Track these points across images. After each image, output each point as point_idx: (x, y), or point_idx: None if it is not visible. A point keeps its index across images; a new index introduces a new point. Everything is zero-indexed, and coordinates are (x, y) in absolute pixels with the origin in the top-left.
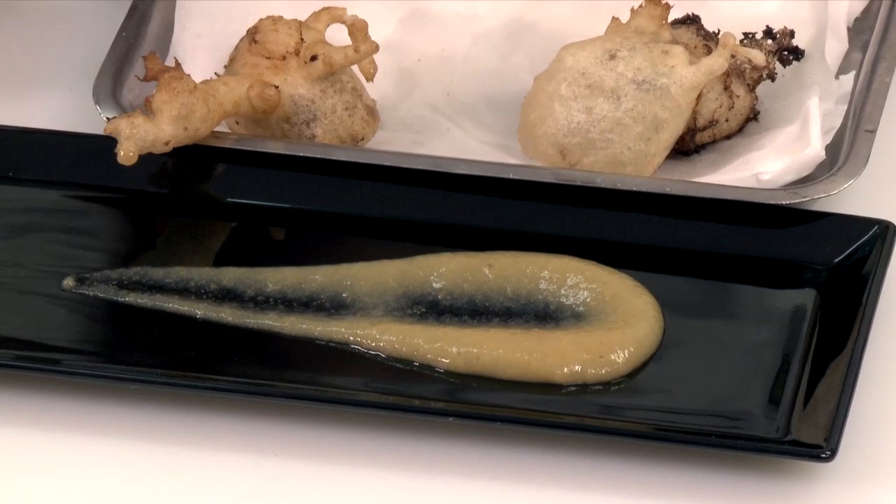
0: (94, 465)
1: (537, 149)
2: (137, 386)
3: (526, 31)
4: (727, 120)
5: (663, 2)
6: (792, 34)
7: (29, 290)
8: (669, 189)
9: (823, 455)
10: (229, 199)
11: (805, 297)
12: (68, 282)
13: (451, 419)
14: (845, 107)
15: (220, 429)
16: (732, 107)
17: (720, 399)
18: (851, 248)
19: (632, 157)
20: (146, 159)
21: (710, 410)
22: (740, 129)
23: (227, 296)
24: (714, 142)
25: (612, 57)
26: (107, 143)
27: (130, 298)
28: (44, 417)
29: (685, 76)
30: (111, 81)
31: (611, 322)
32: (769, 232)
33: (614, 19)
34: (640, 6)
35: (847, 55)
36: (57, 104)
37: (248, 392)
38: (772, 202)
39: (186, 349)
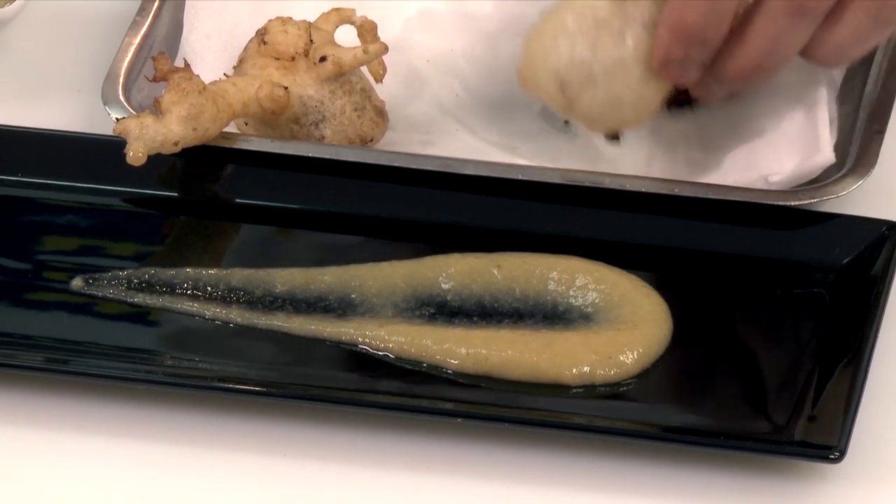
0: (102, 466)
1: (537, 82)
2: (146, 386)
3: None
4: None
5: None
6: None
7: (38, 290)
8: (678, 190)
9: (832, 456)
10: (238, 200)
11: (814, 298)
12: (77, 282)
13: (459, 420)
14: (854, 107)
15: (229, 429)
16: None
17: (728, 400)
18: (860, 250)
19: (632, 99)
20: (156, 160)
21: (719, 411)
22: None
23: (236, 296)
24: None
25: None
26: (116, 144)
27: (139, 299)
28: (52, 418)
29: None
30: (120, 82)
31: (619, 323)
32: (778, 233)
33: None
34: None
35: None
36: (66, 105)
37: (257, 393)
38: (780, 203)
39: (195, 350)
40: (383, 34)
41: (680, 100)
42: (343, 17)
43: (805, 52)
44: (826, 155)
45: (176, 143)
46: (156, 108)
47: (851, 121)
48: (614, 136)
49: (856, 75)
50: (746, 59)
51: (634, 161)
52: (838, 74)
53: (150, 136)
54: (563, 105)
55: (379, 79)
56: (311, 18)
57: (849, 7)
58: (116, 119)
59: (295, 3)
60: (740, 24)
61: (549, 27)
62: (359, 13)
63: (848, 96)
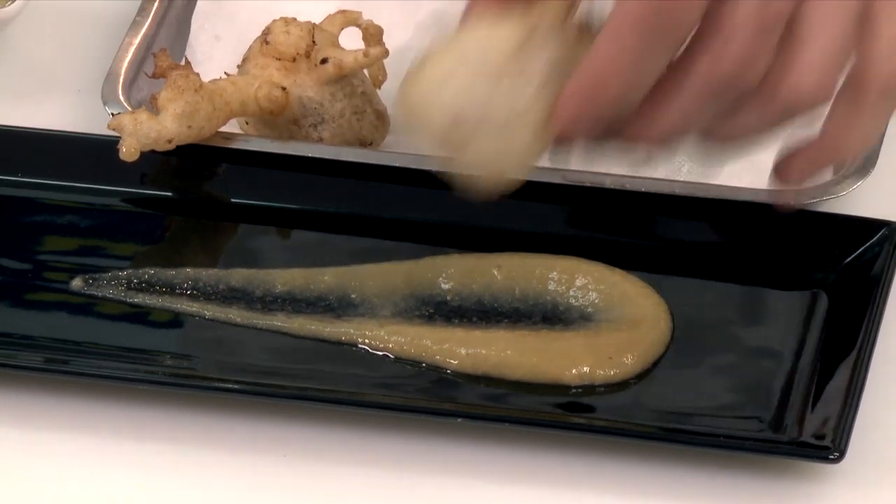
0: (102, 466)
1: (429, 113)
2: (146, 387)
3: None
4: None
5: None
6: None
7: (38, 290)
8: (678, 190)
9: (831, 457)
10: (238, 200)
11: (813, 299)
12: (77, 282)
13: (459, 420)
14: None
15: (229, 429)
16: None
17: (728, 400)
18: (860, 250)
19: (520, 148)
20: (155, 160)
21: (718, 411)
22: None
23: (236, 296)
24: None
25: (520, 39)
26: (116, 144)
27: (139, 299)
28: (52, 418)
29: None
30: (120, 82)
31: (619, 323)
32: (777, 233)
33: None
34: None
35: None
36: (66, 105)
37: (257, 393)
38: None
39: (195, 350)
40: (394, 39)
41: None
42: (348, 19)
43: (704, 133)
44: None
45: (170, 141)
46: (152, 105)
47: None
48: (492, 189)
49: None
50: (650, 131)
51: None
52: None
53: (143, 133)
54: (453, 142)
55: (378, 84)
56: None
57: (757, 100)
58: (113, 115)
59: (306, 5)
60: (652, 94)
61: (448, 58)
62: (366, 17)
63: None
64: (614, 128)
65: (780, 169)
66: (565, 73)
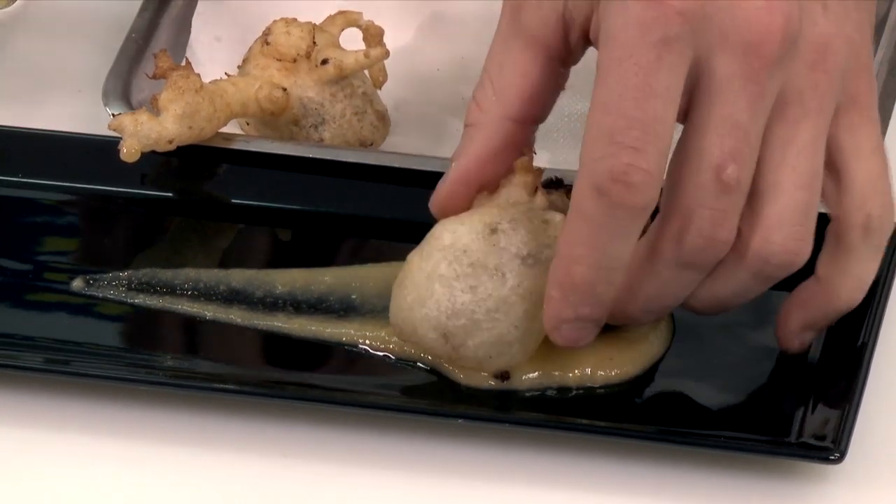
0: (102, 467)
1: (415, 332)
2: (146, 387)
3: None
4: None
5: (535, 168)
6: None
7: (39, 291)
8: None
9: (832, 457)
10: (239, 201)
11: None
12: (78, 283)
13: (460, 421)
14: None
15: (229, 430)
16: None
17: (729, 400)
18: None
19: (518, 336)
20: (156, 160)
21: (719, 412)
22: None
23: (236, 297)
24: None
25: (493, 231)
26: (117, 145)
27: (140, 300)
28: (53, 419)
29: None
30: (121, 82)
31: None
32: None
33: (482, 193)
34: (510, 175)
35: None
36: (66, 106)
37: (258, 394)
38: None
39: (195, 350)
40: (395, 40)
41: None
42: (349, 20)
43: (685, 302)
44: None
45: (170, 141)
46: (153, 106)
47: None
48: (503, 376)
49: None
50: (634, 308)
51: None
52: None
53: (144, 133)
54: (448, 354)
55: (379, 85)
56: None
57: (732, 264)
58: (113, 115)
59: (306, 5)
60: (630, 271)
61: (422, 275)
62: (374, 17)
63: None
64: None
65: (782, 322)
66: (543, 245)
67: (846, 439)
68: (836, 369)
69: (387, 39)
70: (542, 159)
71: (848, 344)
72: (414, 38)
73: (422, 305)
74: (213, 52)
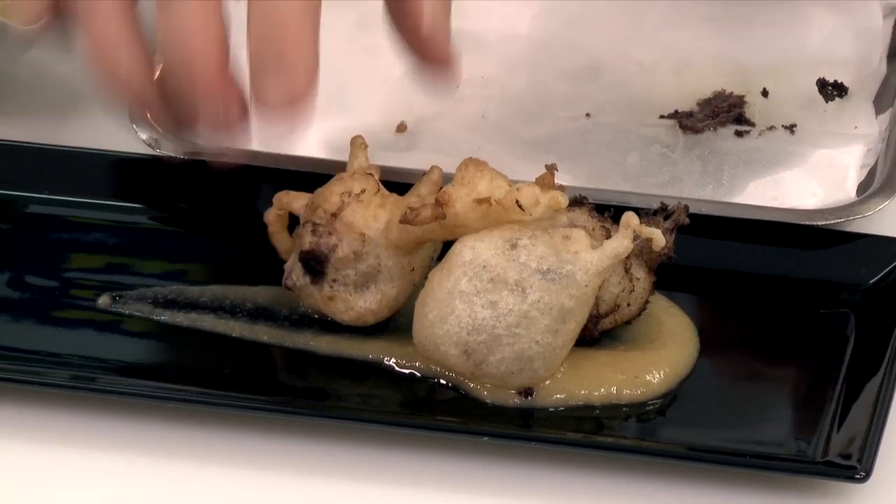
0: (129, 484)
1: (437, 349)
2: (174, 404)
3: (563, 50)
4: (629, 304)
5: (557, 185)
6: (686, 209)
7: (65, 307)
8: (705, 210)
9: (858, 476)
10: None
11: (840, 319)
12: (104, 300)
13: (486, 439)
14: (883, 126)
15: (255, 447)
16: (633, 290)
17: (754, 419)
18: (887, 269)
19: (539, 351)
20: (184, 176)
21: (744, 431)
22: (640, 313)
23: (263, 314)
24: (615, 328)
25: (514, 246)
26: (143, 162)
27: (166, 317)
28: (80, 436)
29: (590, 261)
30: None
31: (646, 343)
32: (804, 253)
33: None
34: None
35: (885, 79)
36: (93, 123)
37: (284, 411)
38: (807, 223)
39: (221, 368)
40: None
41: (588, 336)
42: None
43: None
44: (848, 193)
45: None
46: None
47: (880, 140)
48: (527, 393)
49: (885, 93)
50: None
51: (658, 183)
52: (871, 117)
53: None
54: (470, 371)
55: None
56: (338, 39)
57: None
58: (143, 138)
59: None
60: None
61: (443, 291)
62: (378, 16)
63: (879, 135)
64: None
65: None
66: (564, 260)
67: (872, 457)
68: (862, 388)
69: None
70: (564, 178)
71: (873, 363)
72: None
73: (443, 322)
74: (235, 59)
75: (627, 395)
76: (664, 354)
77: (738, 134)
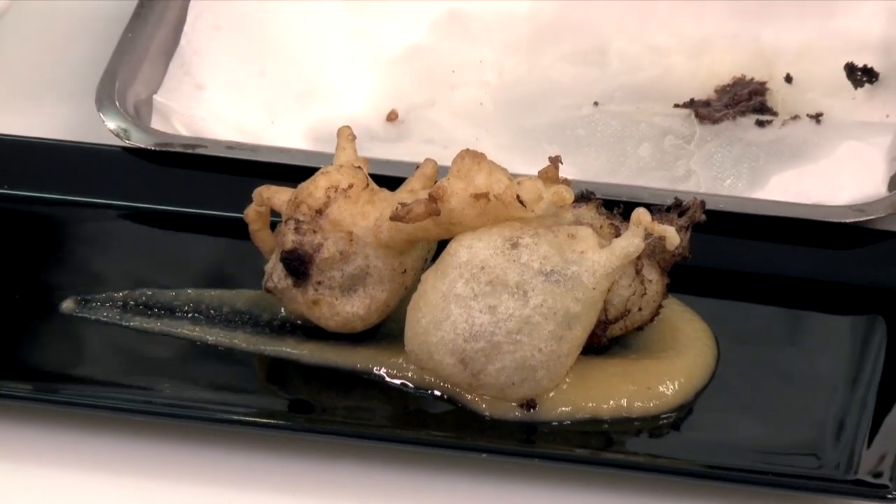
0: (92, 502)
1: (432, 358)
2: (142, 417)
3: (568, 31)
4: (640, 308)
5: (562, 178)
6: (703, 206)
7: (24, 313)
8: (722, 206)
9: (890, 496)
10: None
11: (871, 323)
12: (68, 304)
13: (484, 455)
14: None
15: (229, 463)
16: (644, 293)
17: (777, 434)
18: None
19: (543, 360)
20: (154, 170)
21: (767, 446)
22: (652, 318)
23: (241, 320)
24: (625, 334)
25: (514, 246)
26: (111, 154)
27: (136, 322)
28: (42, 451)
29: (598, 262)
30: (116, 87)
31: (659, 351)
32: (831, 252)
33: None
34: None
35: None
36: (57, 112)
37: (262, 425)
38: (834, 220)
39: (196, 378)
40: (408, 37)
41: (595, 343)
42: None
43: None
44: (879, 188)
45: None
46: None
47: None
48: (530, 405)
49: None
50: None
51: (672, 177)
52: None
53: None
54: (467, 382)
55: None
56: (324, 21)
57: None
58: (110, 127)
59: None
60: None
61: (437, 295)
62: (381, 13)
63: None
64: None
65: None
66: (569, 261)
67: None
68: (894, 399)
69: (397, 37)
70: (569, 171)
71: None
72: (427, 37)
73: (437, 328)
74: (211, 41)
75: (639, 407)
76: (679, 363)
77: (760, 124)
